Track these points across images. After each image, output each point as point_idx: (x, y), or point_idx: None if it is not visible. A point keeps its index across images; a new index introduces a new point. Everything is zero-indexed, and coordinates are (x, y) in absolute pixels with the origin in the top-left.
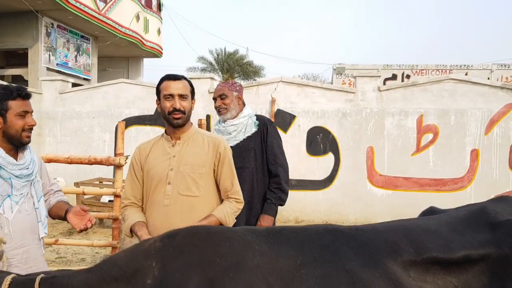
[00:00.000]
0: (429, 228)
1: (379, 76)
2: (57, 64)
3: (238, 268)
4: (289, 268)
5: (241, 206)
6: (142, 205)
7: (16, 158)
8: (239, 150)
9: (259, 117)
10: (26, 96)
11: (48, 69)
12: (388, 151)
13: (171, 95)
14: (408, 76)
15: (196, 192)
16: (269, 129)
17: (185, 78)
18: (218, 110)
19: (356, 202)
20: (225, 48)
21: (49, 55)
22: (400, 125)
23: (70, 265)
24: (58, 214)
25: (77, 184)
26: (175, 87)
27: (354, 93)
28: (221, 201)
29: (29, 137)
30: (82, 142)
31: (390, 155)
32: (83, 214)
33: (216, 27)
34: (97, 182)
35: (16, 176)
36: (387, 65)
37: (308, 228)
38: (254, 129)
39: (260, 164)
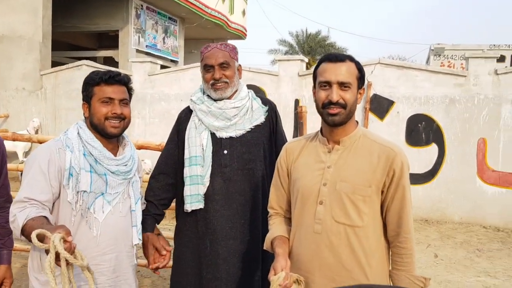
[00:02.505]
0: None
1: (497, 57)
2: (146, 46)
3: None
4: None
5: (410, 260)
6: (290, 216)
7: (115, 154)
8: (243, 145)
9: (263, 100)
10: (111, 81)
11: (137, 51)
12: (504, 144)
13: (328, 83)
14: None
15: (357, 221)
16: (278, 118)
17: (351, 59)
18: (216, 84)
19: (462, 201)
20: (306, 30)
21: (139, 37)
22: None
23: None
24: None
25: None
26: (335, 72)
27: (465, 76)
28: (387, 239)
29: (115, 127)
30: (170, 124)
31: (506, 148)
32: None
33: (300, 6)
34: None
35: (112, 172)
36: (494, 45)
37: None
38: (263, 117)
39: (269, 165)
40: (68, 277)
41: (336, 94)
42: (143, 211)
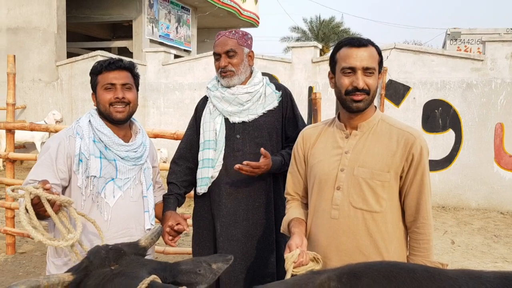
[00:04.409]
0: None
1: None
2: (159, 35)
3: None
4: None
5: (427, 246)
6: (307, 202)
7: (127, 141)
8: (255, 129)
9: (277, 85)
10: (112, 67)
11: (151, 41)
12: None
13: (352, 69)
14: None
15: (376, 207)
16: (294, 103)
17: (372, 44)
18: (223, 72)
19: (479, 186)
20: (319, 16)
21: (152, 26)
22: None
23: None
24: (158, 215)
25: None
26: (359, 57)
27: (482, 60)
28: (405, 224)
29: (119, 112)
30: (184, 114)
31: None
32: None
33: None
34: None
35: (122, 158)
36: (511, 29)
37: None
38: (276, 102)
39: (278, 150)
40: (60, 221)
41: (361, 80)
42: (165, 194)
